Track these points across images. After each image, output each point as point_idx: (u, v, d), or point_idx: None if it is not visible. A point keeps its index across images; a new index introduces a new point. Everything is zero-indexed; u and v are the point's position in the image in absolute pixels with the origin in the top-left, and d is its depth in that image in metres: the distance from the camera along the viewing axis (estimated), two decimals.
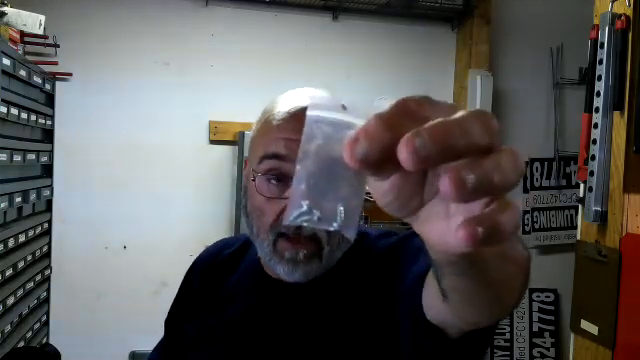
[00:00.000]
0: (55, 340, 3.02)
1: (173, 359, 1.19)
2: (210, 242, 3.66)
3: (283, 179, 0.93)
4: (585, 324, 2.10)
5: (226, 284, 1.12)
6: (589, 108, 2.10)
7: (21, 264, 2.58)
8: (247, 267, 1.11)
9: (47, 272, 3.09)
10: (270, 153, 0.93)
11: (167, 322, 1.26)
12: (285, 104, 0.97)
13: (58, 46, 3.23)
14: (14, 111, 2.37)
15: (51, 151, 3.09)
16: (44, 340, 3.05)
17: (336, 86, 3.71)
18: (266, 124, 0.97)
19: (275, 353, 0.98)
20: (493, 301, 0.62)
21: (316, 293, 0.98)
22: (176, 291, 1.36)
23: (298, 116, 0.92)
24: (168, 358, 1.22)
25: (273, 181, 0.95)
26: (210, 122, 3.51)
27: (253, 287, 1.07)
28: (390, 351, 0.90)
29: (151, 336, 3.84)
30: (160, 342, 1.30)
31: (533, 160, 4.08)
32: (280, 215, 0.93)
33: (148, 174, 3.46)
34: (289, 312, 1.00)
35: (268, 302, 1.03)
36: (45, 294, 3.09)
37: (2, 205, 2.28)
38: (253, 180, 0.96)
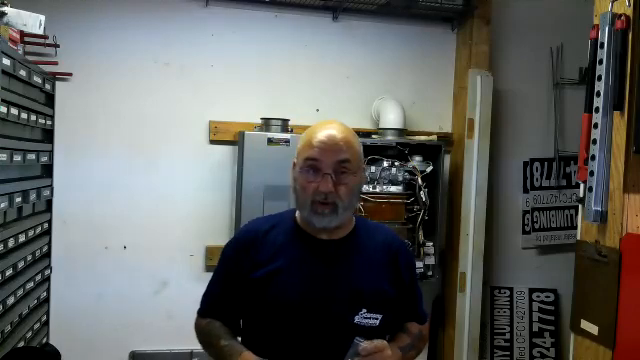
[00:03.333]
0: (55, 340, 3.02)
1: (244, 294, 1.66)
2: (210, 242, 3.66)
3: (317, 171, 1.60)
4: (585, 324, 2.10)
5: (272, 244, 1.67)
6: (589, 108, 2.09)
7: (21, 264, 2.58)
8: (286, 231, 1.69)
9: (47, 272, 3.08)
10: (311, 157, 1.60)
11: (226, 269, 1.73)
12: (320, 130, 1.63)
13: (58, 46, 3.23)
14: (14, 111, 2.36)
15: (51, 151, 3.08)
16: (44, 340, 3.05)
17: (336, 86, 3.72)
18: (309, 141, 1.63)
19: (333, 275, 1.63)
20: None
21: (340, 243, 1.68)
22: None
23: (326, 138, 1.60)
24: (235, 293, 1.68)
25: (311, 172, 1.60)
26: (210, 122, 3.52)
27: (299, 240, 1.68)
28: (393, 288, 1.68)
29: (151, 336, 3.85)
30: (214, 288, 1.75)
31: (533, 160, 4.08)
32: (315, 190, 1.59)
33: (148, 174, 3.47)
34: (324, 253, 1.66)
35: (310, 247, 1.66)
36: (45, 294, 3.08)
37: (2, 205, 2.28)
38: (300, 171, 1.63)
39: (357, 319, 1.59)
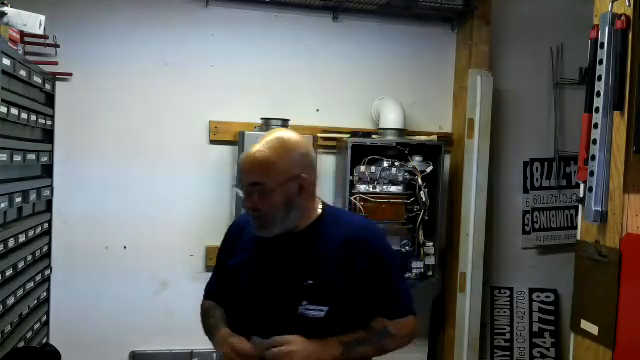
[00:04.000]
0: (55, 340, 3.02)
1: (225, 280, 1.84)
2: (210, 242, 3.67)
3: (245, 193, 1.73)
4: (585, 324, 2.10)
5: (246, 237, 1.82)
6: (589, 108, 2.09)
7: (21, 264, 2.58)
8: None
9: (47, 272, 3.09)
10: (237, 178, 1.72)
11: (218, 258, 1.94)
12: (252, 148, 1.72)
13: (58, 46, 3.23)
14: (14, 111, 2.37)
15: (51, 151, 3.08)
16: (44, 340, 3.05)
17: (336, 86, 3.72)
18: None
19: (279, 267, 1.72)
20: None
21: (298, 236, 1.74)
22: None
23: (245, 160, 1.73)
24: (222, 279, 1.86)
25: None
26: (210, 122, 3.52)
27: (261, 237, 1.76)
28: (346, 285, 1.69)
29: (151, 336, 3.84)
30: (213, 274, 1.95)
31: (533, 160, 4.08)
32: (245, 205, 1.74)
33: (148, 174, 3.46)
34: (280, 247, 1.74)
35: (269, 241, 1.74)
36: (45, 294, 3.09)
37: (2, 205, 2.28)
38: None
39: (300, 310, 1.66)
